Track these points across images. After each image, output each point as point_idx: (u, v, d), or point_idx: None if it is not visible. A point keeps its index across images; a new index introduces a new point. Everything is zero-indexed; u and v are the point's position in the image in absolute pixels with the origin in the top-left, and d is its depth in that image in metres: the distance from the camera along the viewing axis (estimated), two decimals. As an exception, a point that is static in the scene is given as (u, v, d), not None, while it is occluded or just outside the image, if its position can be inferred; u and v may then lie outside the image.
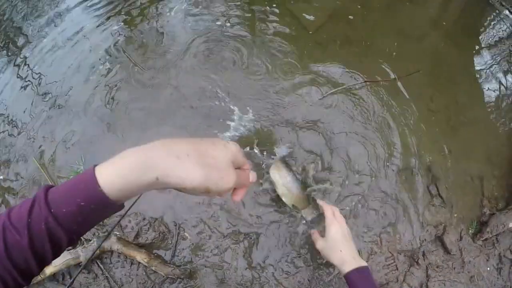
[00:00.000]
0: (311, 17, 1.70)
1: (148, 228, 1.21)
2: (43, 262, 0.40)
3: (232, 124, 1.37)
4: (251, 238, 1.18)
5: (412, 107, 1.63)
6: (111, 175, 0.37)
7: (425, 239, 1.46)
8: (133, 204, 1.03)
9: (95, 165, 0.39)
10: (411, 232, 1.42)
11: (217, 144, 0.42)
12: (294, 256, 1.21)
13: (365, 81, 1.57)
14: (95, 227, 1.28)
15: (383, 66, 1.66)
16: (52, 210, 0.36)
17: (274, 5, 1.76)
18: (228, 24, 1.73)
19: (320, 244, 0.99)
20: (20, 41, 1.99)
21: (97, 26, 1.88)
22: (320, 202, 1.06)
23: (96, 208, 0.37)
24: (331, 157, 1.42)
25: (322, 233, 1.01)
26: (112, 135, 1.43)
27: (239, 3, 1.81)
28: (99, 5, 2.01)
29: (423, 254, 1.44)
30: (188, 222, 1.20)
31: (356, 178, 1.40)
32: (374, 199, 1.40)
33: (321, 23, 1.66)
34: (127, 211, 1.03)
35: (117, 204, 0.39)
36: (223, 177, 0.40)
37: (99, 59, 1.71)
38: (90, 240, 1.26)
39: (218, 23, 1.75)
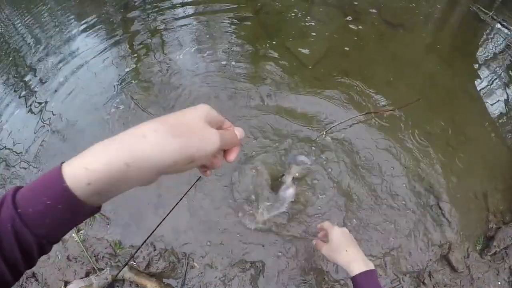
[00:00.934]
0: (308, 53, 1.76)
1: (159, 258, 1.25)
2: (16, 269, 0.35)
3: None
4: (257, 267, 1.21)
5: (411, 131, 1.65)
6: (77, 168, 0.32)
7: (430, 259, 1.46)
8: (149, 236, 1.09)
9: (63, 162, 0.34)
10: (416, 253, 1.43)
11: (185, 111, 0.38)
12: (300, 283, 1.24)
13: (367, 113, 1.61)
14: (108, 257, 1.32)
15: (382, 96, 1.69)
16: (18, 210, 0.32)
17: (274, 43, 1.82)
18: (233, 63, 1.79)
19: (324, 249, 0.98)
20: (31, 79, 2.08)
21: (105, 66, 1.96)
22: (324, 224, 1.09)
23: (64, 208, 0.32)
24: (334, 184, 1.45)
25: (325, 240, 1.01)
26: None
27: (240, 41, 1.87)
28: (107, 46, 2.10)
29: (429, 274, 1.45)
30: (197, 252, 1.24)
31: (358, 202, 1.43)
32: (377, 223, 1.42)
33: (318, 58, 1.72)
34: (143, 243, 1.09)
35: (88, 203, 0.33)
36: (203, 137, 0.36)
37: (109, 100, 1.78)
38: (103, 269, 1.31)
39: (223, 62, 1.82)
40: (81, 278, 1.36)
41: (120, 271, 1.23)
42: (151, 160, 0.32)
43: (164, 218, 1.13)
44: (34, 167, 1.60)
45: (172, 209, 1.16)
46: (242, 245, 1.24)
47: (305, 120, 1.60)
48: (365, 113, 1.60)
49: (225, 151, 0.43)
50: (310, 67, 1.70)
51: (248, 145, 1.50)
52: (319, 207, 1.39)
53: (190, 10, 2.24)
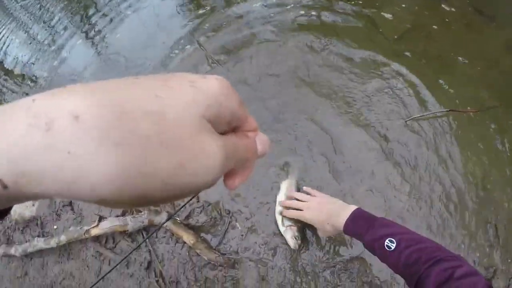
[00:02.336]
0: (391, 24, 1.63)
1: (201, 211, 1.19)
2: None
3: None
4: (301, 241, 1.13)
5: (483, 139, 1.52)
6: None
7: (474, 280, 1.36)
8: (196, 194, 1.03)
9: None
10: (462, 269, 1.33)
11: (173, 81, 0.17)
12: (340, 268, 1.16)
13: (451, 110, 1.48)
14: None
15: (459, 91, 1.55)
16: None
17: (354, 8, 1.70)
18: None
19: (319, 232, 1.01)
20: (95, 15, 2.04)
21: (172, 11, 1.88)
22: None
23: None
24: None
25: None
26: None
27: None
28: None
29: (469, 295, 1.35)
30: (242, 213, 1.17)
31: (410, 205, 1.33)
32: (425, 229, 1.32)
33: (402, 32, 1.58)
34: (192, 197, 1.03)
35: None
36: (184, 163, 0.16)
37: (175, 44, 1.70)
38: (141, 212, 1.27)
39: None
40: (117, 216, 1.32)
41: (165, 222, 1.18)
42: (58, 180, 0.14)
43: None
44: None
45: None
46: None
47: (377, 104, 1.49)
48: (449, 110, 1.47)
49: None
50: (390, 40, 1.58)
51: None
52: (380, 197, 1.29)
53: None
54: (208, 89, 0.18)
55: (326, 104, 1.45)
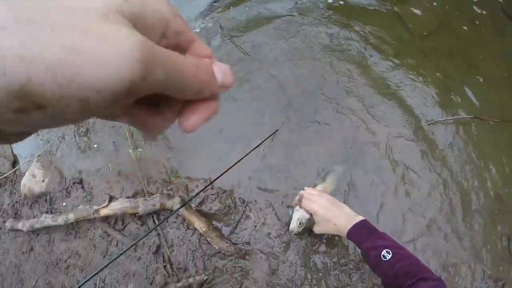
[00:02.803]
0: (419, 21, 1.58)
1: (215, 198, 1.16)
2: None
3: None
4: (315, 238, 1.11)
5: (503, 145, 1.49)
6: None
7: (482, 290, 1.33)
8: (218, 177, 1.00)
9: None
10: (470, 279, 1.29)
11: None
12: (352, 268, 1.13)
13: (475, 117, 1.44)
14: (160, 182, 1.25)
15: (485, 98, 1.52)
16: None
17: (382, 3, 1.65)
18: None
19: (315, 229, 1.02)
20: None
21: None
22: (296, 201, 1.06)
23: None
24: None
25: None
26: None
27: None
28: None
29: (477, 307, 1.32)
30: (257, 204, 1.15)
31: (423, 209, 1.30)
32: (440, 236, 1.29)
33: (429, 30, 1.55)
34: (210, 183, 1.00)
35: None
36: (76, 45, 0.13)
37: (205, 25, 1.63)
38: (153, 194, 1.25)
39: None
40: (128, 197, 1.30)
41: (180, 207, 1.16)
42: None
43: (232, 166, 1.04)
44: None
45: (243, 157, 1.07)
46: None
47: (396, 104, 1.45)
48: (473, 117, 1.44)
49: (185, 106, 0.20)
50: (415, 37, 1.54)
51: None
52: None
53: None
54: None
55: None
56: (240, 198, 1.16)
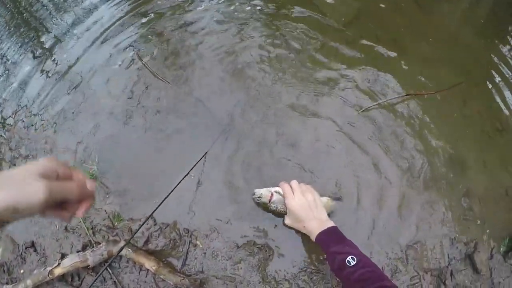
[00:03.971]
0: (338, 11, 1.54)
1: (159, 234, 1.11)
2: None
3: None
4: (266, 251, 1.06)
5: (445, 113, 1.46)
6: None
7: (454, 257, 1.29)
8: (151, 215, 0.95)
9: None
10: (440, 248, 1.26)
11: (20, 166, 0.38)
12: (312, 272, 1.09)
13: (408, 94, 1.41)
14: (105, 229, 1.20)
15: (418, 73, 1.48)
16: None
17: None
18: (252, 23, 1.59)
19: (286, 221, 1.02)
20: (48, 39, 1.95)
21: (121, 25, 1.79)
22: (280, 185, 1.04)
23: None
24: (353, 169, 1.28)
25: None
26: (130, 137, 1.35)
27: None
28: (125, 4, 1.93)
29: (451, 274, 1.28)
30: (200, 230, 1.10)
31: (386, 188, 1.26)
32: (402, 211, 1.26)
33: (350, 18, 1.51)
34: (144, 221, 0.96)
35: None
36: (24, 189, 0.35)
37: (122, 61, 1.62)
38: (100, 243, 1.19)
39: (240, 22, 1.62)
40: (77, 251, 1.24)
41: (121, 250, 1.11)
42: None
43: (167, 196, 0.99)
44: (52, 126, 1.49)
45: (176, 186, 1.02)
46: (252, 226, 1.09)
47: (330, 95, 1.42)
48: (406, 95, 1.41)
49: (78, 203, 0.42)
50: (337, 27, 1.49)
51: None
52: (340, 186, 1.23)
53: None
54: (39, 162, 0.38)
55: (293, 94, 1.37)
56: (184, 229, 1.11)
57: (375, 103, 1.41)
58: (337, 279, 1.05)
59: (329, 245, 0.87)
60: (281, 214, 1.06)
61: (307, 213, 0.94)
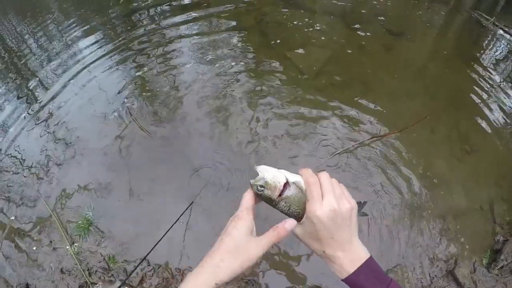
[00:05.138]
0: (309, 62, 1.63)
1: (152, 274, 1.16)
2: None
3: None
4: (253, 285, 1.11)
5: (415, 143, 1.53)
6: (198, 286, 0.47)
7: (435, 275, 1.35)
8: (145, 257, 1.00)
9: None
10: (420, 269, 1.31)
11: (232, 228, 0.47)
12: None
13: (372, 137, 1.49)
14: (101, 271, 1.24)
15: (385, 112, 1.55)
16: None
17: (274, 53, 1.71)
18: (234, 76, 1.68)
19: (298, 230, 0.54)
20: (36, 86, 2.01)
21: (109, 74, 1.88)
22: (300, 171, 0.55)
23: None
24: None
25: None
26: (121, 184, 1.41)
27: (240, 51, 1.76)
28: (113, 57, 2.03)
29: (435, 292, 1.34)
30: (192, 269, 1.14)
31: (362, 218, 1.32)
32: (380, 238, 1.31)
33: (319, 67, 1.60)
34: (142, 260, 1.00)
35: None
36: (249, 255, 0.45)
37: (113, 111, 1.70)
38: (96, 284, 1.22)
39: (224, 77, 1.71)
40: (77, 291, 1.27)
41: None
42: (225, 279, 0.43)
43: (159, 240, 1.04)
44: (36, 174, 1.53)
45: (166, 232, 1.08)
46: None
47: (305, 140, 1.50)
48: (371, 138, 1.48)
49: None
50: (309, 77, 1.59)
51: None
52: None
53: (193, 22, 2.16)
54: (244, 223, 0.47)
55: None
56: (176, 268, 1.16)
57: (343, 149, 1.47)
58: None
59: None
60: (293, 215, 0.56)
61: (336, 233, 0.52)
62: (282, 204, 0.55)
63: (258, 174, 0.52)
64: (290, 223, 0.47)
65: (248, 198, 0.51)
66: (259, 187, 0.53)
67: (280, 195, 0.53)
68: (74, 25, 2.36)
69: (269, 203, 0.55)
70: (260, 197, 0.54)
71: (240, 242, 0.46)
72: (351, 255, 0.52)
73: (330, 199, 0.51)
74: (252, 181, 0.53)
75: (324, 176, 0.54)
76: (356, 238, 0.54)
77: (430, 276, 1.33)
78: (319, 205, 0.51)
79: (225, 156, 1.42)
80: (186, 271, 1.14)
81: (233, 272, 0.44)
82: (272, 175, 0.54)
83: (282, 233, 0.46)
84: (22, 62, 2.17)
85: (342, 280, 0.52)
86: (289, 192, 0.54)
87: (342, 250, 0.52)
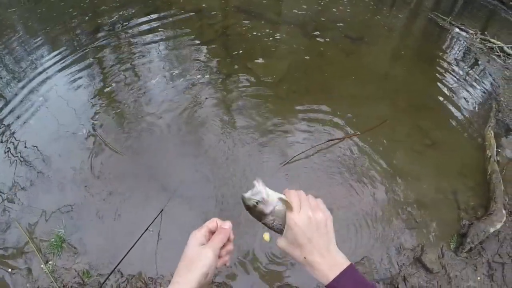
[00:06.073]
0: (270, 71, 1.69)
1: (126, 284, 1.17)
2: None
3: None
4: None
5: (378, 140, 1.61)
6: None
7: (403, 264, 1.40)
8: (115, 268, 1.01)
9: None
10: (387, 259, 1.36)
11: (188, 245, 0.52)
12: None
13: (329, 140, 1.54)
14: (76, 286, 1.24)
15: (346, 114, 1.62)
16: None
17: (236, 64, 1.76)
18: (198, 89, 1.73)
19: (280, 241, 0.60)
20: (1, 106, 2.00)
21: (75, 92, 1.88)
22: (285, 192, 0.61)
23: None
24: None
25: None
26: (92, 199, 1.42)
27: (203, 64, 1.81)
28: (80, 76, 2.02)
29: (404, 279, 1.38)
30: (164, 277, 1.16)
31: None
32: (346, 232, 1.36)
33: (280, 76, 1.66)
34: (110, 274, 1.02)
35: None
36: (201, 262, 0.50)
37: (81, 129, 1.70)
38: (72, 301, 1.22)
39: (188, 90, 1.74)
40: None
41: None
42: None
43: (129, 251, 1.06)
44: (4, 197, 1.52)
45: (137, 240, 1.09)
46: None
47: (267, 147, 1.54)
48: (327, 141, 1.53)
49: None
50: (271, 85, 1.65)
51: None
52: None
53: (156, 35, 2.20)
54: (193, 236, 0.52)
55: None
56: (149, 277, 1.17)
57: (299, 153, 1.50)
58: None
59: None
60: (274, 231, 0.63)
61: (312, 239, 0.58)
62: (269, 219, 0.60)
63: (251, 187, 0.57)
64: (226, 223, 0.55)
65: (214, 224, 0.57)
66: (255, 202, 0.58)
67: (270, 211, 0.59)
68: (40, 40, 2.37)
69: (257, 216, 0.60)
70: (250, 210, 0.59)
71: (192, 255, 0.51)
72: (330, 261, 0.55)
73: (306, 209, 0.58)
74: (246, 194, 0.57)
75: (301, 192, 0.60)
76: (333, 246, 0.58)
77: (398, 264, 1.38)
78: (297, 214, 0.58)
79: (195, 165, 1.45)
80: (159, 279, 1.16)
81: (192, 284, 0.48)
82: (269, 192, 0.59)
83: (223, 232, 0.54)
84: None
85: (326, 287, 0.55)
86: (277, 208, 0.59)
87: (321, 256, 0.56)
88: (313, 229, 0.58)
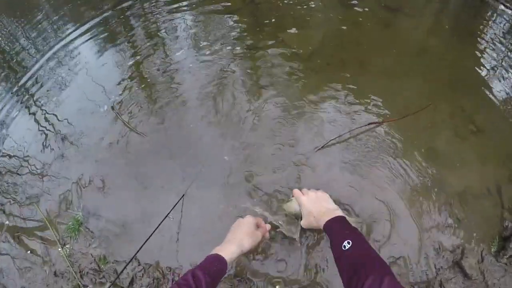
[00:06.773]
0: (303, 42, 1.53)
1: (143, 274, 1.10)
2: None
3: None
4: (246, 282, 1.04)
5: (415, 124, 1.43)
6: (226, 255, 0.84)
7: (441, 267, 1.25)
8: (133, 256, 0.95)
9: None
10: (425, 260, 1.22)
11: (243, 224, 0.95)
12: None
13: (371, 123, 1.39)
14: (92, 272, 1.19)
15: (383, 95, 1.45)
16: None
17: (266, 34, 1.61)
18: (229, 63, 1.61)
19: (302, 222, 1.03)
20: (27, 80, 1.98)
21: (103, 69, 1.82)
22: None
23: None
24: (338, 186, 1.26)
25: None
26: (111, 181, 1.35)
27: (233, 35, 1.67)
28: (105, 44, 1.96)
29: (440, 284, 1.24)
30: (183, 267, 1.09)
31: (361, 206, 1.24)
32: (382, 228, 1.23)
33: (314, 48, 1.50)
34: (128, 263, 0.95)
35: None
36: (256, 238, 0.94)
37: (107, 104, 1.62)
38: (87, 286, 1.18)
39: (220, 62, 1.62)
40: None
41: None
42: (245, 250, 0.88)
43: (149, 238, 0.98)
44: (41, 173, 1.49)
45: (157, 227, 1.02)
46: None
47: (302, 123, 1.41)
48: (368, 124, 1.38)
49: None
50: (304, 57, 1.48)
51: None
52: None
53: (184, 8, 2.08)
54: (250, 220, 0.99)
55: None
56: (167, 267, 1.10)
57: (335, 136, 1.36)
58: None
59: (332, 233, 0.85)
60: (298, 216, 1.07)
61: (316, 205, 0.96)
62: (296, 207, 1.07)
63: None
64: (266, 224, 1.03)
65: (259, 220, 1.03)
66: (289, 213, 1.10)
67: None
68: (65, 19, 2.33)
69: (289, 212, 1.11)
70: (284, 210, 1.12)
71: (252, 230, 0.93)
72: (330, 214, 0.90)
73: (307, 192, 1.05)
74: (285, 206, 1.11)
75: (303, 190, 1.08)
76: (332, 205, 0.99)
77: (436, 267, 1.24)
78: (302, 196, 1.03)
79: (223, 146, 1.34)
80: (177, 269, 1.09)
81: (250, 246, 0.89)
82: (297, 206, 1.06)
83: (264, 227, 1.02)
84: (16, 61, 2.13)
85: (323, 229, 0.90)
86: (296, 206, 1.07)
87: (323, 214, 0.93)
88: (312, 202, 0.99)
